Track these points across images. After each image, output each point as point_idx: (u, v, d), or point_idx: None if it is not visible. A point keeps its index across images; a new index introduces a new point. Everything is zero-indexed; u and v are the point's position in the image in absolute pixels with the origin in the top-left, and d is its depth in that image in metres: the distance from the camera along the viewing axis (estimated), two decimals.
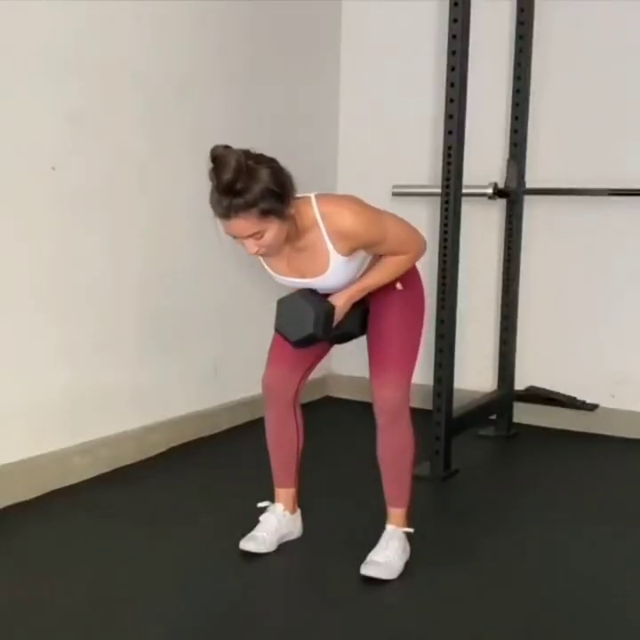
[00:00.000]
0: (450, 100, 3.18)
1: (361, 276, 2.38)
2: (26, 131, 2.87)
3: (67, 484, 3.06)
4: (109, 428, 3.29)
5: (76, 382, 3.14)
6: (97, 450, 3.20)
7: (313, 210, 2.24)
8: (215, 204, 2.12)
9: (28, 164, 2.89)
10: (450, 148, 3.21)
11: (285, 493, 2.65)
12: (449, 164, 3.22)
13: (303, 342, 2.36)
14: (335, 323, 2.36)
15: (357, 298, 2.39)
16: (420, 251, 2.39)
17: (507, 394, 3.94)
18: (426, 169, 4.21)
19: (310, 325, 2.30)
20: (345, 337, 2.47)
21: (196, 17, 3.51)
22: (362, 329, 2.48)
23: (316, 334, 2.32)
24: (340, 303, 2.35)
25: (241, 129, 3.69)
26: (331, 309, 2.33)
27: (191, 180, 3.49)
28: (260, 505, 2.67)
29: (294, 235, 2.24)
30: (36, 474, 2.97)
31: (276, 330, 2.41)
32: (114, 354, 3.29)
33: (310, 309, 2.30)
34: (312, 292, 2.36)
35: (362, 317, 2.46)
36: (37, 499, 2.93)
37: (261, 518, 2.62)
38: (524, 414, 4.03)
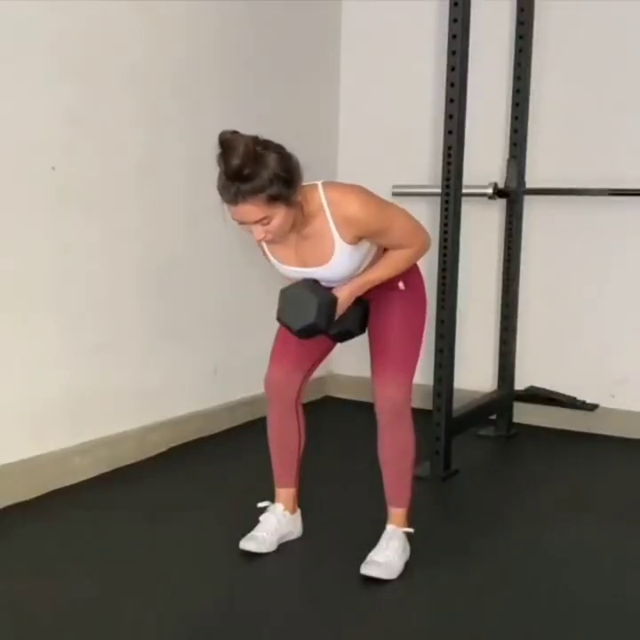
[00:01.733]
0: (450, 100, 3.18)
1: (364, 270, 2.37)
2: (26, 131, 2.87)
3: (67, 483, 3.06)
4: (109, 428, 3.29)
5: (76, 382, 3.14)
6: (97, 450, 3.20)
7: (320, 196, 2.24)
8: (223, 189, 2.11)
9: (28, 164, 2.89)
10: (450, 148, 3.21)
11: (286, 493, 2.65)
12: (449, 163, 3.22)
13: (305, 331, 2.33)
14: (337, 316, 2.34)
15: (360, 292, 2.37)
16: (424, 246, 2.38)
17: (507, 394, 3.94)
18: (426, 169, 4.21)
19: (312, 315, 2.28)
20: (345, 334, 2.44)
21: (195, 17, 3.51)
22: (362, 328, 2.46)
23: (318, 324, 2.30)
24: (344, 295, 2.34)
25: (240, 129, 3.66)
26: (333, 300, 2.32)
27: (191, 179, 3.50)
28: (260, 505, 2.67)
29: (301, 221, 2.24)
30: (36, 474, 2.97)
31: (278, 319, 2.39)
32: (114, 354, 3.29)
33: (313, 299, 2.28)
34: (315, 282, 2.35)
35: (362, 316, 2.44)
36: (37, 499, 2.93)
37: (261, 518, 2.61)
38: (523, 414, 4.03)
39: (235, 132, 2.11)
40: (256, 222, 2.15)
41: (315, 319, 2.28)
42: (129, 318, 3.35)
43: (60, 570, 2.43)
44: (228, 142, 2.08)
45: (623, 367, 3.93)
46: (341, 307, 2.35)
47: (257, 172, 2.07)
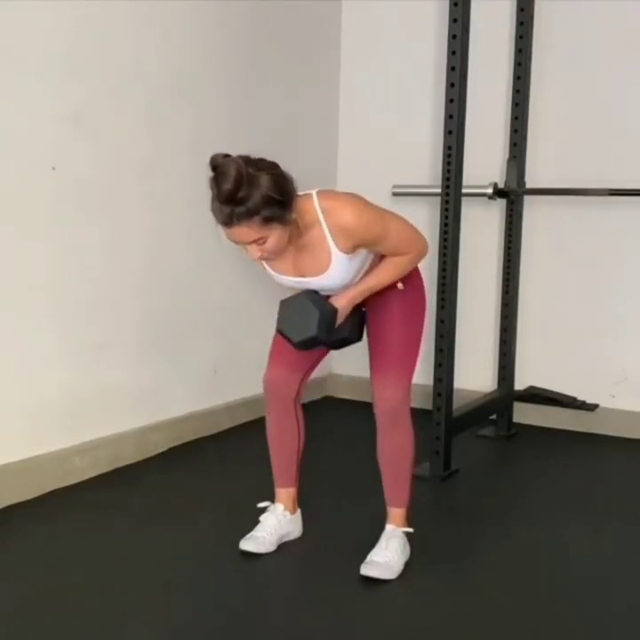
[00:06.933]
0: (450, 100, 3.19)
1: (362, 278, 2.37)
2: (26, 131, 2.87)
3: (67, 483, 3.06)
4: (109, 428, 3.29)
5: (75, 382, 3.14)
6: (97, 450, 3.20)
7: (314, 207, 2.23)
8: (217, 212, 2.11)
9: (28, 164, 2.89)
10: (450, 148, 3.21)
11: (286, 493, 2.65)
12: (449, 163, 3.22)
13: (305, 344, 2.35)
14: (336, 325, 2.35)
15: (359, 300, 2.38)
16: (422, 252, 2.38)
17: (507, 394, 3.94)
18: (426, 169, 4.21)
19: (314, 327, 2.28)
20: (342, 342, 2.46)
21: (196, 17, 3.51)
22: (358, 335, 2.47)
23: (319, 336, 2.30)
24: (343, 305, 2.35)
25: (241, 129, 3.69)
26: (333, 311, 2.32)
27: (192, 180, 3.50)
28: (260, 505, 2.67)
29: (296, 234, 2.24)
30: (36, 474, 2.97)
31: (279, 331, 2.40)
32: (114, 354, 3.29)
33: (314, 311, 2.28)
34: (315, 293, 2.35)
35: (359, 323, 2.45)
36: (37, 499, 2.93)
37: (261, 518, 2.62)
38: (523, 414, 4.03)
39: (227, 156, 2.09)
40: (251, 243, 2.15)
41: (316, 332, 2.29)
42: (129, 318, 3.35)
43: (59, 570, 2.42)
44: (220, 167, 2.07)
45: (623, 367, 3.93)
46: (340, 316, 2.36)
47: (250, 194, 2.05)
